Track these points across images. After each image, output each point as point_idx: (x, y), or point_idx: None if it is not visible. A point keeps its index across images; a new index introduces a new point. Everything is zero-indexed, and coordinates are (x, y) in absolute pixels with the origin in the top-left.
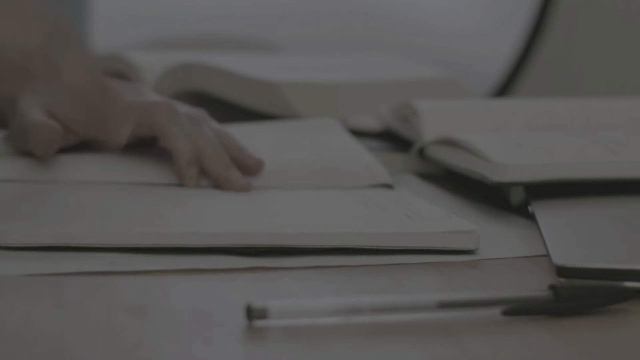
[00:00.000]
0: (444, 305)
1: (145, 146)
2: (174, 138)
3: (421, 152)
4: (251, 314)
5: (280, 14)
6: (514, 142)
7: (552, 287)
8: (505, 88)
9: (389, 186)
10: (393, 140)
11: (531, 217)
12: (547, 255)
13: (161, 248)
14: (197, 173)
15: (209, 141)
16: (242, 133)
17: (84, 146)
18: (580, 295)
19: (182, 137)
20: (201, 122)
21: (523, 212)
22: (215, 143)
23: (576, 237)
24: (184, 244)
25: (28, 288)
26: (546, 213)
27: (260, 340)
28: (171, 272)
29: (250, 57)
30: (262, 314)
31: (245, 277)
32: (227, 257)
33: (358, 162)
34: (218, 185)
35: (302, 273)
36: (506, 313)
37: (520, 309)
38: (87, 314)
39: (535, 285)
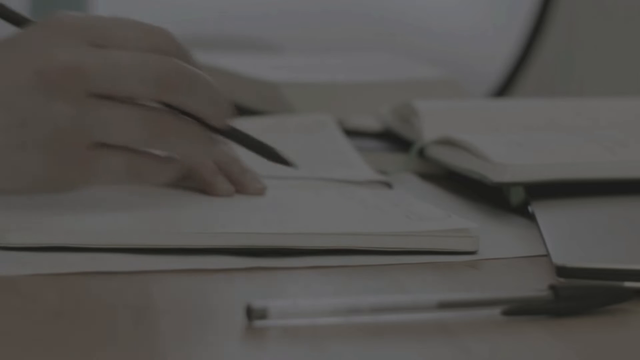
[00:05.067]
0: (444, 305)
1: None
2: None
3: (421, 152)
4: (251, 314)
5: (280, 14)
6: (514, 142)
7: (552, 287)
8: (505, 88)
9: (387, 185)
10: (393, 140)
11: (531, 217)
12: (547, 255)
13: (161, 248)
14: (224, 178)
15: (220, 150)
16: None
17: None
18: (580, 295)
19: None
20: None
21: (523, 212)
22: (226, 151)
23: (576, 237)
24: (182, 245)
25: (28, 288)
26: (546, 213)
27: (260, 340)
28: (171, 272)
29: (250, 57)
30: (262, 314)
31: (245, 277)
32: (227, 257)
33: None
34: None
35: (302, 273)
36: (506, 313)
37: (520, 309)
38: (87, 314)
39: (535, 285)
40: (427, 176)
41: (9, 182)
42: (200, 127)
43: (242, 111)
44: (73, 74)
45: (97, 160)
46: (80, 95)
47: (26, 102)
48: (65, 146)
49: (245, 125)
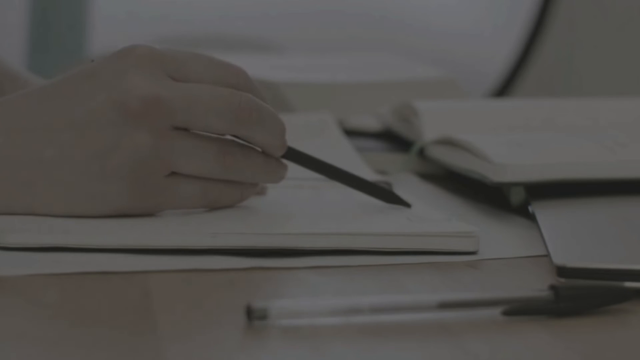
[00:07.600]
0: (444, 306)
1: None
2: None
3: (421, 152)
4: (251, 314)
5: (280, 14)
6: (514, 142)
7: (553, 287)
8: (505, 88)
9: (387, 185)
10: (393, 140)
11: (531, 217)
12: (547, 255)
13: (161, 248)
14: None
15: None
16: None
17: None
18: (580, 295)
19: None
20: None
21: (523, 212)
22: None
23: (576, 237)
24: (182, 245)
25: (28, 288)
26: (546, 213)
27: (260, 340)
28: (171, 272)
29: (250, 57)
30: (262, 314)
31: (245, 277)
32: (227, 257)
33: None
34: None
35: (302, 273)
36: (506, 313)
37: (520, 309)
38: (87, 315)
39: (535, 285)
40: (427, 176)
41: (89, 210)
42: (264, 156)
43: None
44: (154, 106)
45: (175, 188)
46: (161, 127)
47: (107, 132)
48: (145, 175)
49: None
